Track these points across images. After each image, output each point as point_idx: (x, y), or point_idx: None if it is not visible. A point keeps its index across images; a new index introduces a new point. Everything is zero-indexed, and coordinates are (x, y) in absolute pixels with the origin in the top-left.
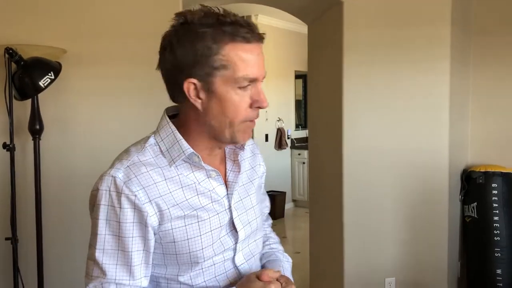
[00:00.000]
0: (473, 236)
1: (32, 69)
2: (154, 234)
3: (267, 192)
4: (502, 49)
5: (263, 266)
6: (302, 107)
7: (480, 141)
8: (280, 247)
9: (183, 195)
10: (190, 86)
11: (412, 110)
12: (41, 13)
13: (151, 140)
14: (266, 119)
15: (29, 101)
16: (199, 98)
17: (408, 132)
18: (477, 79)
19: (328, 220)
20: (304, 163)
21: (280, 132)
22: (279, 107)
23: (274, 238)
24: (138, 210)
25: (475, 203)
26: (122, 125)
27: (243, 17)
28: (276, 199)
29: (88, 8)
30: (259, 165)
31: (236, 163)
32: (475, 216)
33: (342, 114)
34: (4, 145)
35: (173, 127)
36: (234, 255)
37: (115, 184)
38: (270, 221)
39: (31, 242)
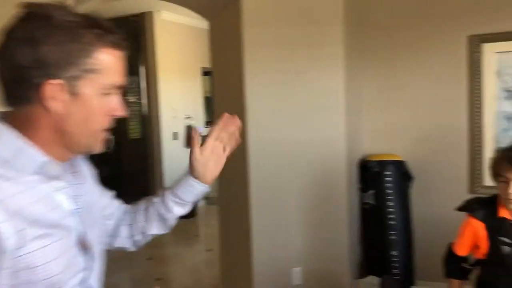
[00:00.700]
0: (371, 222)
1: None
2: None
3: None
4: (390, 45)
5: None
6: (212, 104)
7: (374, 132)
8: None
9: (40, 209)
10: (52, 87)
11: (310, 104)
12: None
13: None
14: (174, 117)
15: None
16: (60, 101)
17: (308, 125)
18: (369, 75)
19: (236, 215)
20: None
21: (189, 130)
22: (187, 104)
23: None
24: None
25: (372, 190)
26: None
27: (141, 14)
28: None
29: None
30: (88, 170)
31: (77, 174)
32: (373, 202)
33: (245, 110)
34: None
35: (13, 131)
36: (90, 276)
37: None
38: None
39: None
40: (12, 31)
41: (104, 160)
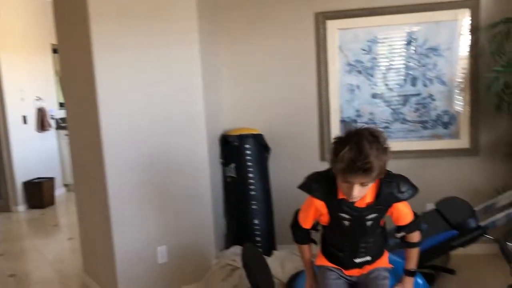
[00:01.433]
0: (234, 194)
1: None
2: None
3: (33, 179)
4: (244, 21)
5: None
6: None
7: (234, 107)
8: None
9: None
10: None
11: (167, 80)
12: None
13: None
14: (22, 99)
15: None
16: None
17: (166, 102)
18: (226, 51)
19: (94, 200)
20: None
21: (41, 112)
22: (37, 85)
23: None
24: None
25: (233, 164)
26: None
27: None
28: (43, 186)
29: None
30: None
31: None
32: (235, 175)
33: (95, 90)
34: None
35: None
36: None
37: None
38: None
39: None
40: None
41: None
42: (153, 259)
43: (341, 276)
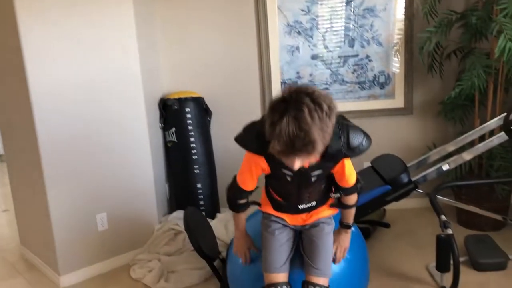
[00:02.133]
0: (176, 158)
1: None
2: None
3: None
4: None
5: None
6: None
7: (173, 70)
8: None
9: None
10: None
11: (101, 42)
12: None
13: None
14: None
15: None
16: None
17: (100, 65)
18: (163, 12)
19: (27, 169)
20: None
21: None
22: None
23: None
24: None
25: (174, 128)
26: None
27: None
28: None
29: None
30: None
31: None
32: (175, 140)
33: (22, 57)
34: None
35: None
36: None
37: None
38: None
39: None
40: None
41: None
42: (93, 227)
43: (285, 225)
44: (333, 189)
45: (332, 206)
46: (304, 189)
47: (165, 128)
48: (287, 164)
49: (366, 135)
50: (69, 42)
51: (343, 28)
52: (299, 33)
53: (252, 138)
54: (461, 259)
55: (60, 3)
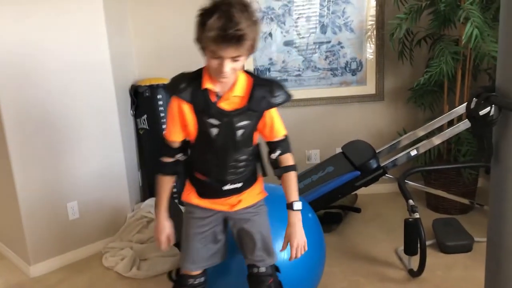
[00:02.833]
0: (148, 146)
1: None
2: None
3: None
4: None
5: None
6: None
7: (144, 56)
8: None
9: None
10: None
11: (69, 27)
12: None
13: None
14: None
15: None
16: None
17: (68, 50)
18: None
19: None
20: None
21: None
22: None
23: None
24: None
25: (145, 115)
26: None
27: None
28: None
29: None
30: None
31: None
32: (147, 127)
33: None
34: None
35: None
36: None
37: None
38: None
39: None
40: None
41: None
42: (64, 215)
43: (209, 217)
44: (270, 151)
45: (276, 173)
46: (230, 152)
47: (136, 115)
48: (216, 71)
49: (287, 90)
50: (35, 27)
51: (316, 14)
52: (271, 19)
53: (182, 83)
54: (429, 242)
55: None
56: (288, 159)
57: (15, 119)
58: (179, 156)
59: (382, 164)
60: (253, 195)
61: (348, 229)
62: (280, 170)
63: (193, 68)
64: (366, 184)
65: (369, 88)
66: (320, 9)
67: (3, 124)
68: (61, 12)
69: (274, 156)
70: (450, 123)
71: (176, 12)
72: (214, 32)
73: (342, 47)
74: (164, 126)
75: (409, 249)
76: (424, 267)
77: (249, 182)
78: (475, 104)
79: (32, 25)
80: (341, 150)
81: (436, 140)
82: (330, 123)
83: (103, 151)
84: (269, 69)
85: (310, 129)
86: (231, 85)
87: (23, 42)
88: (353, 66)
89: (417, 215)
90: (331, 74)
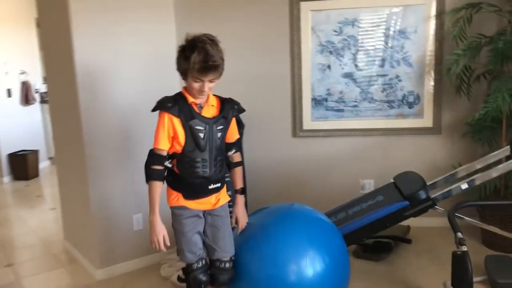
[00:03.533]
0: None
1: None
2: None
3: (18, 152)
4: (222, 3)
5: None
6: None
7: None
8: None
9: None
10: None
11: (145, 57)
12: None
13: None
14: (6, 72)
15: None
16: None
17: (144, 77)
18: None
19: (73, 172)
20: None
21: (25, 86)
22: (21, 59)
23: None
24: None
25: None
26: None
27: None
28: (27, 159)
29: None
30: None
31: None
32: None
33: (74, 62)
34: None
35: None
36: None
37: None
38: None
39: None
40: None
41: None
42: (129, 226)
43: (196, 215)
44: (228, 150)
45: (228, 166)
46: (213, 151)
47: None
48: (197, 91)
49: (240, 104)
50: (116, 52)
51: (373, 48)
52: (330, 52)
53: (168, 103)
54: (480, 278)
55: (113, 20)
56: (238, 157)
57: (94, 137)
58: (167, 164)
59: (432, 196)
60: (225, 195)
61: (398, 259)
62: (232, 164)
63: (255, 96)
64: (415, 215)
65: (426, 121)
66: (378, 44)
67: (84, 141)
68: (138, 42)
69: (230, 153)
70: (508, 159)
71: (242, 45)
72: (198, 65)
73: (399, 80)
74: None
75: (456, 283)
76: None
77: (222, 183)
78: None
79: (119, 54)
80: (392, 181)
81: (492, 174)
82: (386, 154)
83: None
84: (326, 99)
85: (365, 159)
86: (207, 99)
87: (103, 62)
88: (410, 99)
89: (464, 248)
90: (388, 106)
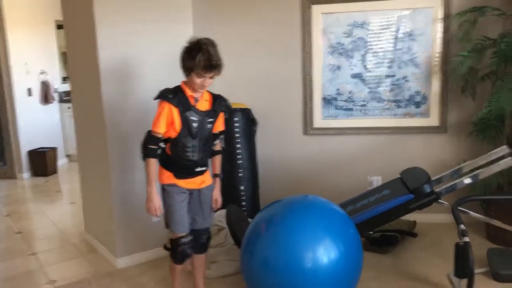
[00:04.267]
0: (222, 162)
1: None
2: None
3: (37, 149)
4: (234, 7)
5: None
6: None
7: (225, 84)
8: None
9: None
10: None
11: (165, 59)
12: None
13: None
14: (27, 72)
15: None
16: None
17: (161, 80)
18: (218, 32)
19: (96, 166)
20: None
21: (45, 86)
22: (41, 59)
23: None
24: None
25: (223, 135)
26: None
27: None
28: (46, 155)
29: None
30: None
31: None
32: (224, 146)
33: (98, 66)
34: None
35: None
36: None
37: None
38: None
39: None
40: None
41: None
42: (148, 217)
43: (184, 192)
44: (215, 137)
45: (212, 154)
46: (204, 139)
47: None
48: (199, 86)
49: (228, 101)
50: (139, 55)
51: (382, 50)
52: (340, 53)
53: (169, 94)
54: (482, 269)
55: (136, 21)
56: (219, 146)
57: (116, 134)
58: (161, 144)
59: (436, 190)
60: (209, 178)
61: (404, 252)
62: (214, 152)
63: (268, 95)
64: (419, 208)
65: (433, 120)
66: (387, 46)
67: (107, 138)
68: (159, 44)
69: (215, 142)
70: (510, 155)
71: (255, 46)
72: (204, 63)
73: (407, 80)
74: (238, 145)
75: (459, 272)
76: None
77: (207, 167)
78: None
79: (140, 56)
80: (399, 176)
81: (493, 169)
82: (393, 152)
83: None
84: (335, 99)
85: (373, 156)
86: (202, 94)
87: (126, 60)
88: (417, 99)
89: (467, 239)
90: (395, 105)
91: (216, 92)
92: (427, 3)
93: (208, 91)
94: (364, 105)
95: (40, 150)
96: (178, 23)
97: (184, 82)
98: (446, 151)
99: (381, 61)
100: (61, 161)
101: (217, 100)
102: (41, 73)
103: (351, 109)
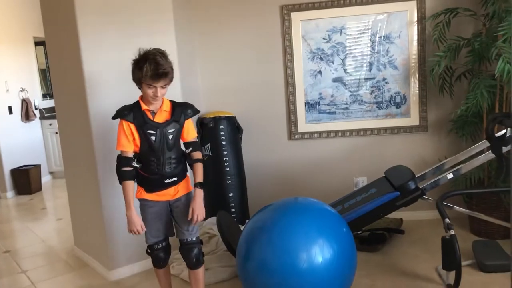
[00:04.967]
0: (211, 170)
1: None
2: None
3: (20, 167)
4: (216, 15)
5: None
6: (48, 76)
7: (209, 92)
8: None
9: None
10: None
11: None
12: None
13: None
14: (7, 90)
15: None
16: None
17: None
18: (200, 41)
19: (84, 181)
20: (57, 133)
21: (25, 103)
22: (21, 77)
23: None
24: None
25: (209, 143)
26: None
27: None
28: (30, 173)
29: None
30: None
31: None
32: (210, 154)
33: (84, 81)
34: None
35: None
36: None
37: None
38: None
39: None
40: None
41: None
42: None
43: (157, 204)
44: (186, 148)
45: (189, 163)
46: (166, 152)
47: (201, 143)
48: (151, 97)
49: (195, 109)
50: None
51: (361, 54)
52: (321, 58)
53: (124, 111)
54: (469, 261)
55: (117, 36)
56: (198, 155)
57: (104, 146)
58: (134, 164)
59: (421, 186)
60: (185, 187)
61: (392, 249)
62: (192, 161)
63: (252, 102)
64: (405, 204)
65: (413, 119)
66: (365, 49)
67: (95, 152)
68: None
69: (187, 151)
70: (488, 149)
71: (237, 54)
72: (150, 72)
73: (386, 82)
74: (225, 153)
75: (446, 265)
76: (460, 280)
77: (181, 176)
78: (490, 126)
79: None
80: (383, 175)
81: (474, 163)
82: (376, 152)
83: None
84: (318, 103)
85: (357, 157)
86: (161, 105)
87: (110, 73)
88: (397, 99)
89: (452, 232)
90: (377, 107)
91: (198, 101)
92: (402, 7)
93: (170, 100)
94: (346, 108)
95: (23, 168)
96: (161, 35)
97: (141, 97)
98: (427, 149)
99: (360, 65)
100: (45, 178)
101: (177, 108)
102: (21, 90)
103: (334, 113)
